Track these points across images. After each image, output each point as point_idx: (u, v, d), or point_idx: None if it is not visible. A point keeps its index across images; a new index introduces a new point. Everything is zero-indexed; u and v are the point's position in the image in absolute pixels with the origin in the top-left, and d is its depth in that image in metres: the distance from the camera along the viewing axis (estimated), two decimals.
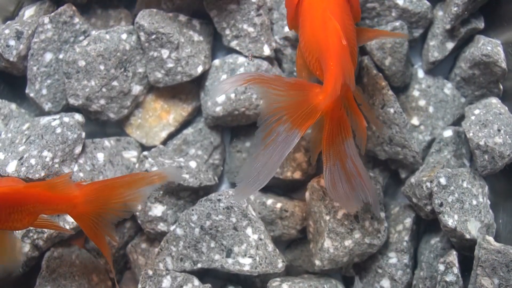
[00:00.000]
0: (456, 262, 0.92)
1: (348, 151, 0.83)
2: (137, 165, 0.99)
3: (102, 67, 1.00)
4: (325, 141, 0.83)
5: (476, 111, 0.99)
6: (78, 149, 0.96)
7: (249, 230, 0.95)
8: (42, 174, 0.92)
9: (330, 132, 0.82)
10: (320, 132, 0.88)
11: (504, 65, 0.99)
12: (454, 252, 0.94)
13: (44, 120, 0.98)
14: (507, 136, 0.94)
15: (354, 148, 0.84)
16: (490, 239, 0.91)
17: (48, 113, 1.03)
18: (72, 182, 0.83)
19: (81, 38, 1.04)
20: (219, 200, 0.95)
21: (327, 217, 0.95)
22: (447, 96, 1.06)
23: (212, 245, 0.94)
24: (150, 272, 0.94)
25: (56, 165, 0.93)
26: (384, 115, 1.00)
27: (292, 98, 0.81)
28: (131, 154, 1.03)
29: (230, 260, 0.94)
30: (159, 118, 1.07)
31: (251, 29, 1.02)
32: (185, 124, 1.08)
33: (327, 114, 0.81)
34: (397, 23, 1.02)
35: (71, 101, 1.01)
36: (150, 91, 1.07)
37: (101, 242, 0.87)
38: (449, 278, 0.92)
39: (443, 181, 0.94)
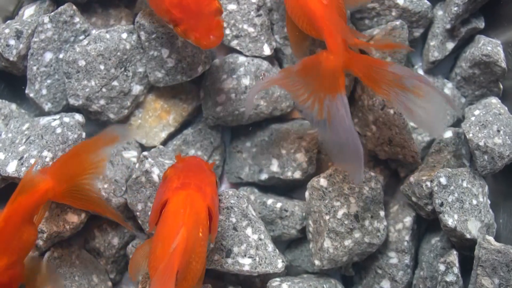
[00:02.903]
0: (456, 262, 0.92)
1: (400, 72, 0.83)
2: (137, 165, 0.99)
3: (102, 67, 1.00)
4: (372, 86, 0.84)
5: (476, 112, 0.99)
6: None
7: (249, 230, 0.95)
8: None
9: (367, 78, 0.84)
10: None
11: (504, 65, 1.00)
12: (455, 252, 0.94)
13: (44, 120, 0.97)
14: (507, 137, 0.94)
15: (402, 67, 0.84)
16: (491, 238, 0.91)
17: (48, 113, 1.02)
18: (36, 174, 0.83)
19: (81, 37, 1.03)
20: (219, 200, 0.95)
21: (327, 217, 0.95)
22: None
23: (212, 245, 0.94)
24: None
25: None
26: (384, 116, 1.00)
27: (312, 80, 0.83)
28: (131, 154, 1.03)
29: (229, 260, 0.94)
30: (159, 118, 1.06)
31: (251, 29, 1.02)
32: (185, 124, 1.08)
33: (348, 67, 0.83)
34: (397, 23, 1.02)
35: (71, 101, 1.01)
36: (150, 91, 1.07)
37: (102, 208, 0.88)
38: (450, 278, 0.92)
39: (443, 180, 0.94)
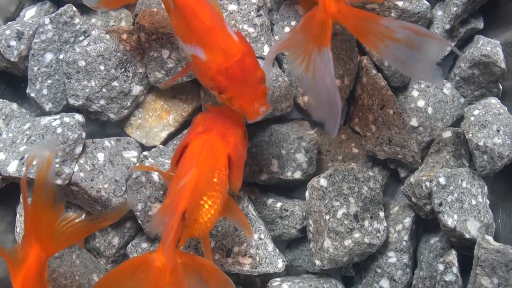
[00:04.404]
0: (455, 261, 0.92)
1: (392, 25, 0.82)
2: (137, 165, 0.99)
3: (102, 67, 1.00)
4: (361, 39, 0.85)
5: (476, 112, 0.99)
6: (78, 149, 0.96)
7: None
8: None
9: (356, 30, 0.83)
10: None
11: (503, 65, 1.00)
12: (454, 252, 0.94)
13: (44, 120, 0.98)
14: (506, 137, 0.94)
15: (394, 21, 0.84)
16: (490, 238, 0.91)
17: (49, 113, 1.03)
18: (19, 246, 0.83)
19: (81, 38, 1.04)
20: None
21: (327, 217, 0.95)
22: (447, 96, 1.06)
23: (212, 244, 0.95)
24: None
25: (57, 165, 0.93)
26: (384, 116, 1.00)
27: (307, 34, 0.83)
28: (131, 154, 1.03)
29: (230, 260, 0.94)
30: (159, 118, 1.07)
31: (251, 30, 1.02)
32: (186, 124, 1.08)
33: (339, 19, 0.83)
34: None
35: (72, 101, 1.01)
36: (150, 91, 1.07)
37: (94, 227, 0.89)
38: (449, 277, 0.92)
39: (442, 181, 0.94)
